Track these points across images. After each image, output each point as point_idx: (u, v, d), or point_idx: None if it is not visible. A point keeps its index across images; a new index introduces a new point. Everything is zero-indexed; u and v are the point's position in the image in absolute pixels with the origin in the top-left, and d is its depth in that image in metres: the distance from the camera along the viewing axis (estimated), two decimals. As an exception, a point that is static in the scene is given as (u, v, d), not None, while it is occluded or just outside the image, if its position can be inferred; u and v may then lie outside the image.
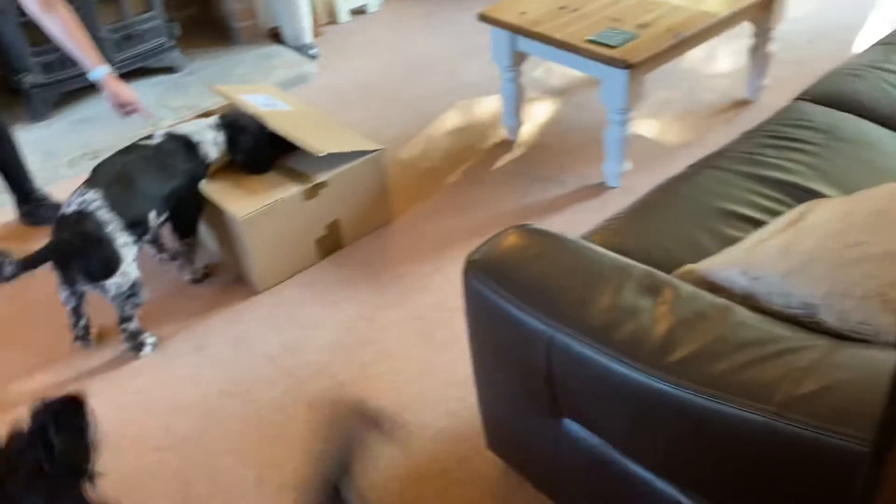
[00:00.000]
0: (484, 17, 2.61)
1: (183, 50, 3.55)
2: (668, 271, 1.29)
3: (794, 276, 1.18)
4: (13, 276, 1.79)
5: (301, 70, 3.51)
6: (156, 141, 2.16)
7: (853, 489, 0.85)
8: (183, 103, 3.26)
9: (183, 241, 2.31)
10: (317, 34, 3.84)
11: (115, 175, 2.03)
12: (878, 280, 1.10)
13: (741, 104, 2.98)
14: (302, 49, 3.66)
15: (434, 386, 1.94)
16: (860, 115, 1.85)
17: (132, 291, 2.01)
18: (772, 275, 1.20)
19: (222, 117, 2.32)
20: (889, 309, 1.08)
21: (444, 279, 2.29)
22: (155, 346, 2.13)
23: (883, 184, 1.33)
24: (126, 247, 1.97)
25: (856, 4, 3.66)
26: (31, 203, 2.61)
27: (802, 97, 1.98)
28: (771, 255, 1.24)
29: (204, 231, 2.38)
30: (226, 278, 2.37)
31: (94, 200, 1.93)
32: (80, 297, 2.06)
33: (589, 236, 1.56)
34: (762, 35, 2.80)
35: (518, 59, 2.67)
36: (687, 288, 1.18)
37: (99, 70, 2.24)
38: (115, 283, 1.96)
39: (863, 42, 3.25)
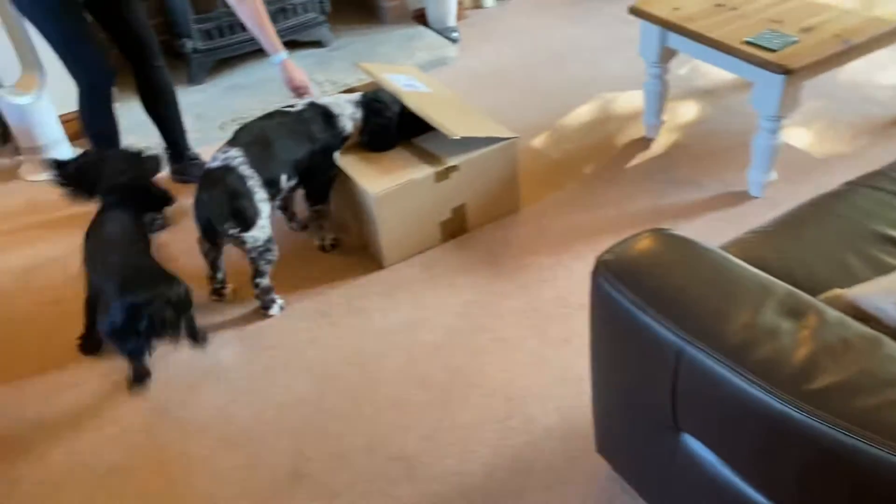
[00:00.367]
0: (635, 11, 2.54)
1: (331, 26, 3.67)
2: (812, 293, 1.21)
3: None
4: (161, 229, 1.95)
5: (442, 53, 3.55)
6: (297, 109, 2.26)
7: None
8: (326, 78, 3.38)
9: (313, 209, 2.40)
10: (460, 17, 3.87)
11: (254, 136, 2.15)
12: None
13: (907, 120, 2.76)
14: (445, 32, 3.70)
15: (546, 382, 1.93)
16: None
17: (266, 247, 2.12)
18: (932, 310, 1.11)
19: (364, 95, 2.38)
20: None
21: (567, 274, 2.26)
22: (282, 307, 2.24)
23: None
24: (263, 202, 2.08)
25: None
26: (182, 162, 2.78)
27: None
28: (933, 289, 1.14)
29: (335, 204, 2.46)
30: (351, 250, 2.44)
31: (237, 157, 2.06)
32: (218, 251, 2.20)
33: (727, 247, 1.50)
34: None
35: (666, 55, 2.58)
36: (833, 313, 1.10)
37: (279, 55, 2.43)
38: (252, 235, 2.07)
39: None
